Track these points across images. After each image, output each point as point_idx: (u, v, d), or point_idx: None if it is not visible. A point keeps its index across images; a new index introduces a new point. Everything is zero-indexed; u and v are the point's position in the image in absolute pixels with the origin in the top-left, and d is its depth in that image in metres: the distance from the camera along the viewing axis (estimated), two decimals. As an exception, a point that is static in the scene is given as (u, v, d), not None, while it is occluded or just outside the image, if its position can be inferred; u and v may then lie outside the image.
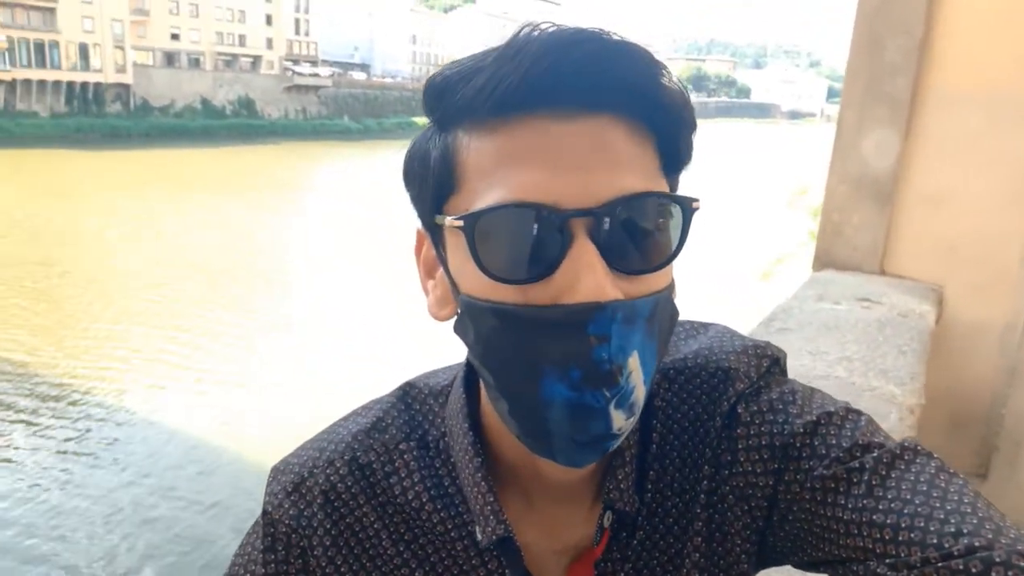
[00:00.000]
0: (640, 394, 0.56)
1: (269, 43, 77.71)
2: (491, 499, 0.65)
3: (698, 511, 0.68)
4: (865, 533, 0.57)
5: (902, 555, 0.54)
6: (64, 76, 59.20)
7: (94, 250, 25.58)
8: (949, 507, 0.55)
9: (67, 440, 12.91)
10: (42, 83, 57.95)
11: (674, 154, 0.60)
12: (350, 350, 16.73)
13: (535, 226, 0.54)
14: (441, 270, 0.63)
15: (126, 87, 62.64)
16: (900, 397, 1.99)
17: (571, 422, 0.55)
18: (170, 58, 70.12)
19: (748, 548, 0.67)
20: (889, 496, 0.57)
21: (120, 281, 21.63)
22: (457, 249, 0.59)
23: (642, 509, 0.68)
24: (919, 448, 0.61)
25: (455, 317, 0.62)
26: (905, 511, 0.56)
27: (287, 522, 0.67)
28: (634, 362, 0.55)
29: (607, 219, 0.54)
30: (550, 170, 0.54)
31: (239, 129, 66.12)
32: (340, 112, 76.14)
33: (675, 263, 0.59)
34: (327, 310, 19.70)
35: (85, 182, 38.75)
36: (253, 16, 76.24)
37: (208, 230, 28.55)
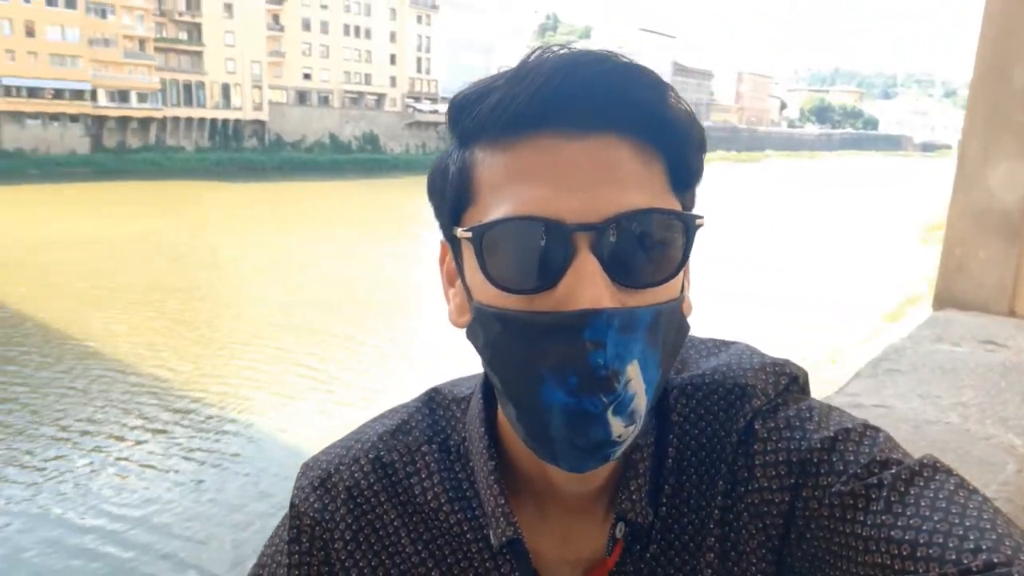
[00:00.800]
0: (641, 403, 0.57)
1: (393, 81, 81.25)
2: (502, 501, 0.67)
3: (712, 527, 0.67)
4: (884, 550, 0.56)
5: (921, 571, 0.54)
6: (208, 114, 64.59)
7: (231, 277, 27.19)
8: (968, 523, 0.54)
9: (230, 443, 13.68)
10: (189, 120, 63.49)
11: (683, 172, 0.61)
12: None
13: (539, 239, 0.56)
14: (460, 280, 0.66)
15: (262, 124, 67.31)
16: (1021, 448, 1.83)
17: (569, 427, 0.57)
18: (302, 96, 74.52)
19: (764, 567, 0.66)
20: (908, 512, 0.56)
21: (254, 307, 22.83)
22: (470, 259, 0.61)
23: (656, 523, 0.68)
24: (938, 464, 0.60)
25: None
26: (924, 527, 0.55)
27: (312, 515, 0.71)
28: (633, 370, 0.56)
29: (609, 234, 0.56)
30: (556, 186, 0.56)
31: (364, 163, 69.33)
32: (458, 147, 78.11)
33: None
34: (446, 340, 20.08)
35: (226, 213, 41.54)
36: (378, 56, 79.99)
37: (338, 260, 29.75)
